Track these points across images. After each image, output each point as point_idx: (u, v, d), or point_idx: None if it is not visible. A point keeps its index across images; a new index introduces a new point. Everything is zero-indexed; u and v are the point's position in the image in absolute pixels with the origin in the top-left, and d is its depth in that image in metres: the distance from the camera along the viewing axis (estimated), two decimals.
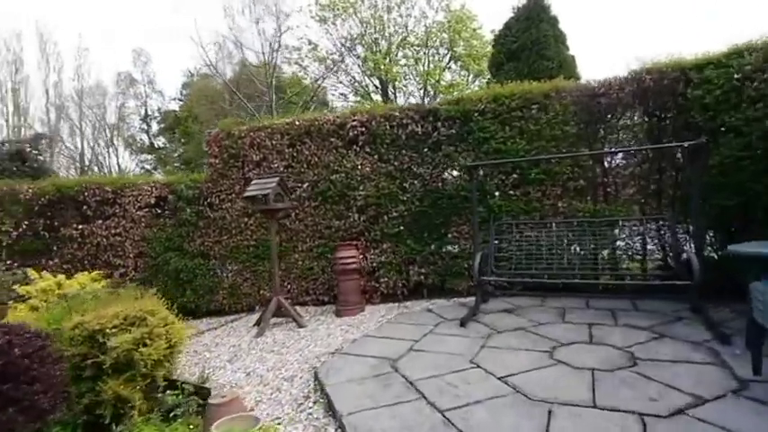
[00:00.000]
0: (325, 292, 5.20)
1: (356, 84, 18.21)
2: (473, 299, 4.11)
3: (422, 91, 17.28)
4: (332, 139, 5.12)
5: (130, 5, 29.13)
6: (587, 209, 4.41)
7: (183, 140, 22.74)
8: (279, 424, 2.33)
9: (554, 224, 4.27)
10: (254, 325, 4.55)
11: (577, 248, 4.16)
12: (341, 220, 5.10)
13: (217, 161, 5.47)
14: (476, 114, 4.69)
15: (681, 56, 4.04)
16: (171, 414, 2.41)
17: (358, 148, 5.05)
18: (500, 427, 2.00)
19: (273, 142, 5.29)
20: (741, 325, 2.58)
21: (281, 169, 5.22)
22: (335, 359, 3.14)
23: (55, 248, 5.31)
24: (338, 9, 16.40)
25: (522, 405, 2.18)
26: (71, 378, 2.33)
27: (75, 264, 5.18)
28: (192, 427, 2.27)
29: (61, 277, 4.10)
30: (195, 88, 22.51)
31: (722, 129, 3.70)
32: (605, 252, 4.24)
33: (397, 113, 4.93)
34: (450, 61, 17.39)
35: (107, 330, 2.38)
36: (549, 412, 2.08)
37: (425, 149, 4.93)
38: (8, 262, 4.92)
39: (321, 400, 2.54)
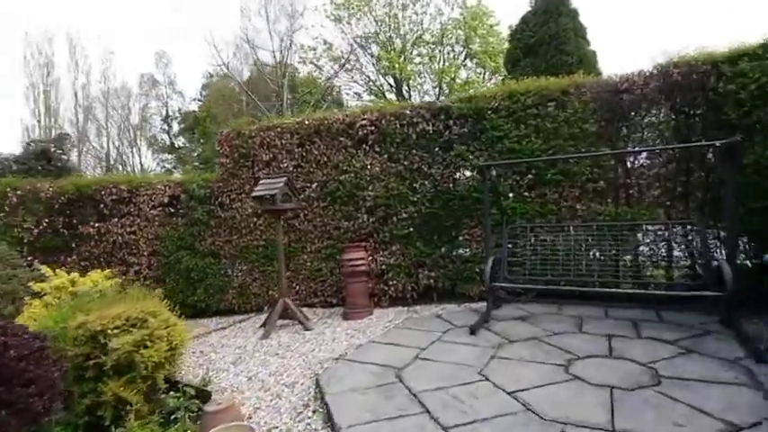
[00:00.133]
0: (333, 294, 5.12)
1: (370, 83, 18.14)
2: (484, 304, 3.95)
3: (437, 89, 17.06)
4: (341, 139, 5.04)
5: (154, 8, 29.97)
6: (608, 212, 4.17)
7: (201, 140, 23.21)
8: None
9: (572, 228, 4.06)
10: (261, 326, 4.51)
11: (597, 254, 3.93)
12: (350, 221, 5.01)
13: (227, 161, 5.47)
14: (489, 112, 4.52)
15: (711, 48, 3.76)
16: (172, 416, 2.37)
17: (367, 148, 4.95)
18: None
19: (283, 142, 5.24)
20: None
21: (291, 169, 5.17)
22: (339, 366, 3.05)
23: (74, 246, 5.42)
24: (353, 8, 16.36)
25: (533, 425, 2.03)
26: (74, 378, 2.33)
27: (93, 261, 5.28)
28: None
29: (75, 275, 4.17)
30: (214, 89, 22.97)
31: (757, 125, 3.42)
32: (627, 258, 4.00)
33: (407, 112, 4.79)
34: (465, 59, 17.10)
35: (109, 331, 2.36)
36: None
37: (436, 149, 4.77)
38: (29, 258, 5.06)
39: (321, 410, 2.46)
